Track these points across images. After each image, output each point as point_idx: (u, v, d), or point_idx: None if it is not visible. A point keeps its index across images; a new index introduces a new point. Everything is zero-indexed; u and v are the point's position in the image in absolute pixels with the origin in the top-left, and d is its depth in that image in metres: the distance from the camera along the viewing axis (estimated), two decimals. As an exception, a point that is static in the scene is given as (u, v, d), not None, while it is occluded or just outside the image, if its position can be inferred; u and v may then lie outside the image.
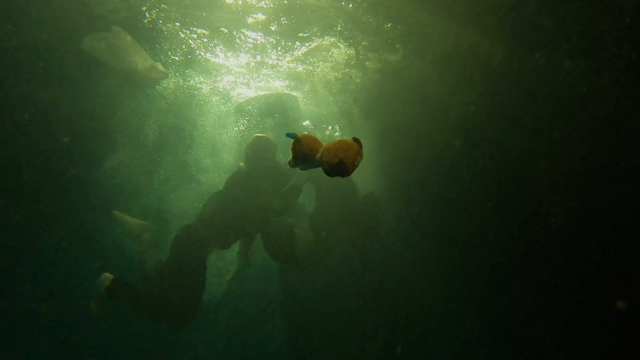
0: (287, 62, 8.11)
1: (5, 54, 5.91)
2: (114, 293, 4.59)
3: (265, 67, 8.39)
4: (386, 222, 6.60)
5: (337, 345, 7.66)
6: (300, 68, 8.41)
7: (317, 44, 7.28)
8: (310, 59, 7.93)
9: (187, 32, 7.00)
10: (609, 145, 3.36)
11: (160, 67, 7.95)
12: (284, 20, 6.48)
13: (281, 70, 8.54)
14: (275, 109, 9.46)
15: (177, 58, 7.78)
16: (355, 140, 2.19)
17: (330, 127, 9.99)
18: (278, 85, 9.46)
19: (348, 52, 7.38)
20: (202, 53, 7.83)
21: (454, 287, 6.69)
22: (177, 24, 6.73)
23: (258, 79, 9.16)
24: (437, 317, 6.71)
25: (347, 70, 7.87)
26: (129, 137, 9.00)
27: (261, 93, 9.67)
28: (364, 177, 6.81)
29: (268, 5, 6.18)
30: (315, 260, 6.48)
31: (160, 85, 8.64)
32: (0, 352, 9.06)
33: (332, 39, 7.13)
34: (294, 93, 9.77)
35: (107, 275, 4.68)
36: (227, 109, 10.54)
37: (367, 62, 7.22)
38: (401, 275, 6.95)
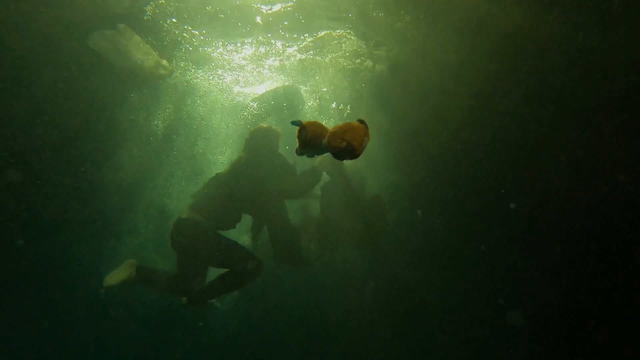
0: (294, 53, 8.03)
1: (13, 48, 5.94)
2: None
3: (269, 58, 8.33)
4: (393, 220, 6.60)
5: (341, 342, 7.68)
6: (303, 58, 8.33)
7: (325, 33, 7.18)
8: (319, 47, 7.78)
9: (189, 27, 7.00)
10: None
11: (165, 64, 7.98)
12: (289, 9, 6.44)
13: (286, 62, 8.49)
14: (283, 101, 9.40)
15: (172, 51, 7.76)
16: (361, 121, 2.19)
17: (334, 105, 9.78)
18: (282, 79, 9.44)
19: (358, 43, 7.29)
20: (205, 48, 7.83)
21: (459, 283, 6.70)
22: (174, 20, 6.73)
23: (262, 75, 9.14)
24: (441, 313, 6.71)
25: (357, 60, 7.78)
26: (136, 130, 8.99)
27: (268, 88, 9.65)
28: (374, 172, 6.79)
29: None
30: (320, 258, 6.47)
31: (166, 81, 8.65)
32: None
33: (341, 31, 7.06)
34: (300, 86, 9.74)
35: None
36: (230, 103, 10.56)
37: (377, 52, 7.14)
38: (406, 272, 6.96)
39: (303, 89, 9.84)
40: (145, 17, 6.54)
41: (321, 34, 7.27)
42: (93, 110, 7.44)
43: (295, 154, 2.45)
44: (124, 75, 7.45)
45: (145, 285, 4.98)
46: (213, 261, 5.11)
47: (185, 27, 6.97)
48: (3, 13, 5.50)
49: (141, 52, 7.28)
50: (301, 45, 7.69)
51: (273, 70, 8.91)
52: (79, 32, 6.26)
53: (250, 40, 7.57)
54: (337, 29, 7.07)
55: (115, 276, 4.68)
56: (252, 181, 5.24)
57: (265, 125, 5.72)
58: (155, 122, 9.56)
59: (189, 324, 10.03)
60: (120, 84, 7.60)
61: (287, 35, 7.23)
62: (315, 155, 2.56)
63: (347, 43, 7.48)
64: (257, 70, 8.91)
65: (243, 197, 5.22)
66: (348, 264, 7.30)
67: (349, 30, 7.04)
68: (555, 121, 4.31)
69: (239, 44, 7.71)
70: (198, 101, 10.25)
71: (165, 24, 6.78)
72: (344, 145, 2.09)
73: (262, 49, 7.94)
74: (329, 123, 9.53)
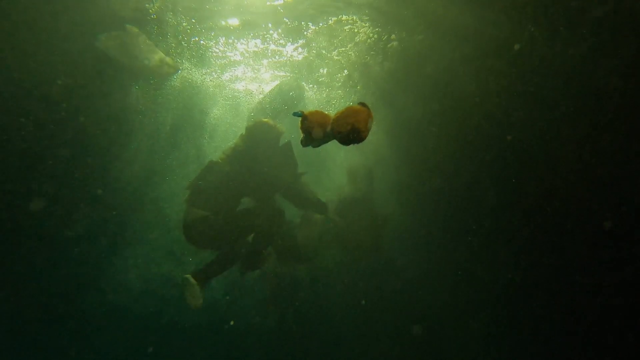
0: (296, 48, 7.94)
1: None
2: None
3: (271, 54, 8.21)
4: (395, 227, 6.61)
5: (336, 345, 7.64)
6: (304, 55, 8.18)
7: (334, 20, 6.95)
8: (327, 39, 7.57)
9: (188, 24, 6.99)
10: None
11: (170, 61, 7.98)
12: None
13: (288, 58, 8.37)
14: (289, 94, 9.32)
15: (173, 46, 7.74)
16: (363, 104, 2.17)
17: (345, 72, 9.56)
18: (283, 75, 9.38)
19: (371, 30, 7.04)
20: (204, 43, 7.79)
21: (463, 289, 6.65)
22: (170, 14, 6.74)
23: (264, 70, 9.07)
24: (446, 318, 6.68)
25: (367, 57, 7.63)
26: (146, 126, 8.97)
27: (273, 84, 9.57)
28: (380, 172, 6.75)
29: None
30: (314, 256, 6.53)
31: (172, 78, 8.64)
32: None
33: (353, 16, 6.85)
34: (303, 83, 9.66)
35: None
36: (233, 101, 10.53)
37: (390, 44, 7.02)
38: (410, 278, 6.95)
39: (306, 87, 9.77)
40: (149, 17, 6.56)
41: (331, 21, 7.01)
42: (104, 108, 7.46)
43: (301, 146, 2.41)
44: (131, 74, 7.48)
45: (210, 280, 5.15)
46: (241, 235, 5.31)
47: (185, 24, 6.96)
48: (19, 17, 5.55)
49: (147, 52, 7.30)
50: (306, 34, 7.43)
51: (274, 65, 8.83)
52: (89, 34, 6.29)
53: (251, 34, 7.49)
54: (350, 14, 6.79)
55: (193, 295, 4.83)
56: (249, 169, 5.28)
57: (269, 122, 5.66)
58: (162, 119, 9.53)
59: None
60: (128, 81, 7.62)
61: (290, 24, 7.00)
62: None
63: (360, 31, 7.13)
64: (257, 66, 8.87)
65: (241, 183, 5.27)
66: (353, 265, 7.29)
67: (361, 16, 6.75)
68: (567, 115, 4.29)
69: (233, 38, 7.64)
70: (200, 97, 10.22)
71: (169, 19, 6.78)
72: (349, 128, 2.08)
73: (261, 44, 7.85)
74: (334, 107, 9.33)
